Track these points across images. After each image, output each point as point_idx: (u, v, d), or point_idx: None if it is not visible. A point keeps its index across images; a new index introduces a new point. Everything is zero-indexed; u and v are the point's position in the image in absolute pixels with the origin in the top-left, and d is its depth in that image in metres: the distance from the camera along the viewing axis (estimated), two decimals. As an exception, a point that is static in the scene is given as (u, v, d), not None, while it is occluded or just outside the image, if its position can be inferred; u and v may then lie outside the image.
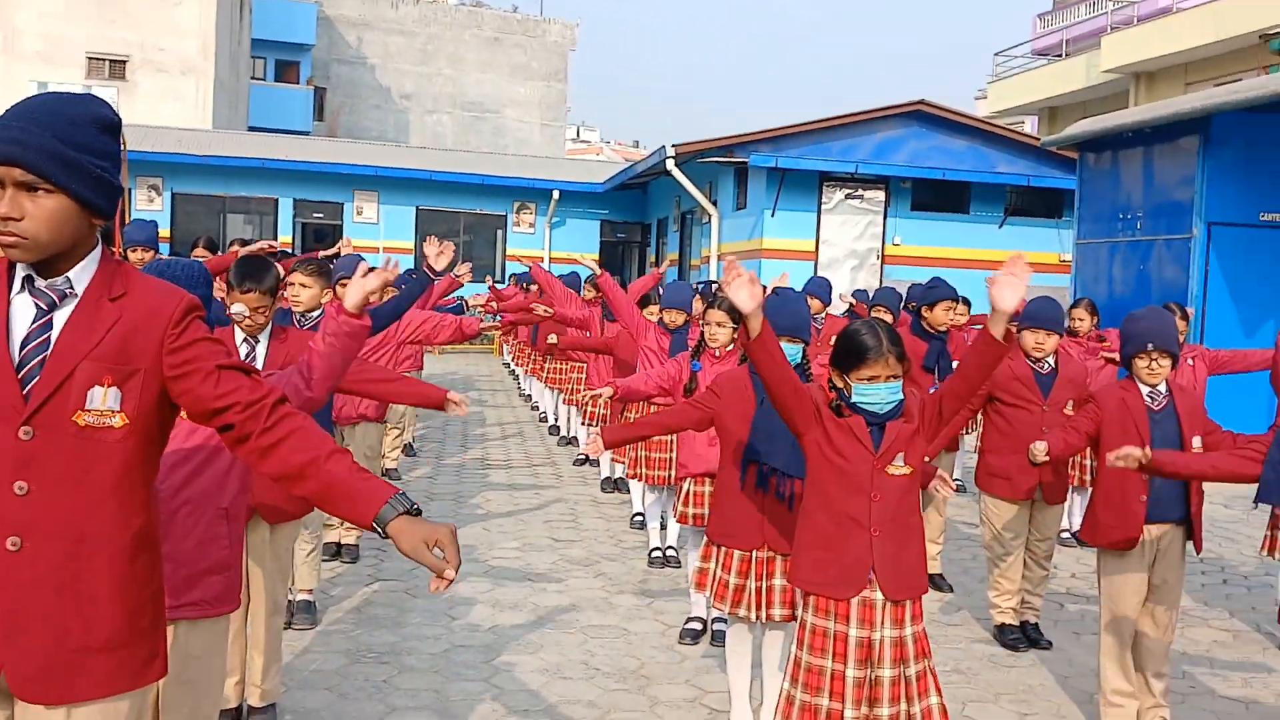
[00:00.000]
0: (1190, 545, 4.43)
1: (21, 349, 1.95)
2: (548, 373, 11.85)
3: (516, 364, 16.10)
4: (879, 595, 3.20)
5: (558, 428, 11.94)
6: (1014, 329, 5.51)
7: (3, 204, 1.91)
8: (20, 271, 1.99)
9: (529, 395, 14.75)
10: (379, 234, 22.47)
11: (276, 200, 22.34)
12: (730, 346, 5.18)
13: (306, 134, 32.12)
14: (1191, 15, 21.35)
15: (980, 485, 5.60)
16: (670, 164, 17.82)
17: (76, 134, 1.95)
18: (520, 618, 5.62)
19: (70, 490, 1.96)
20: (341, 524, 6.39)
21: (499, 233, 23.77)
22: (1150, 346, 4.26)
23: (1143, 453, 3.74)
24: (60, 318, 1.98)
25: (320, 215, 22.68)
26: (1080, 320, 7.90)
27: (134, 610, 2.05)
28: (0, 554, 1.94)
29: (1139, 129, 11.70)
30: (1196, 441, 4.26)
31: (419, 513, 2.04)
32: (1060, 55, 27.18)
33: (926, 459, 3.46)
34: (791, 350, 4.05)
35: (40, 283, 1.99)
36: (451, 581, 2.00)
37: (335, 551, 6.41)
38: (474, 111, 38.89)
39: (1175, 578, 4.37)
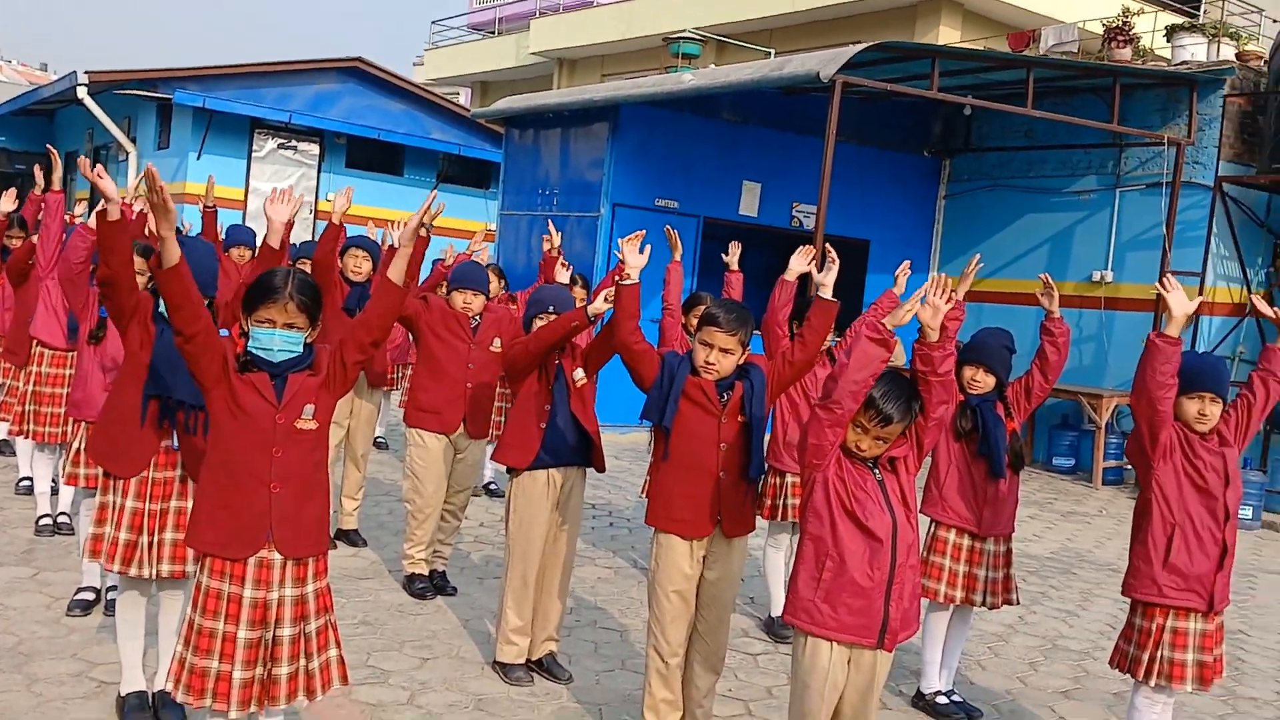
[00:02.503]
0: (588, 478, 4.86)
1: None
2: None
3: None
4: (277, 555, 3.16)
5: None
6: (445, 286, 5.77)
7: None
8: None
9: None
10: None
11: None
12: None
13: None
14: (608, 11, 23.28)
15: (410, 422, 5.73)
16: (82, 92, 16.15)
17: None
18: None
19: None
20: None
21: None
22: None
23: None
24: None
25: None
26: (492, 282, 8.39)
27: None
28: None
29: (559, 111, 12.56)
30: None
31: None
32: (494, 32, 28.36)
33: None
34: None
35: None
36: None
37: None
38: None
39: (575, 516, 4.80)
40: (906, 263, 5.27)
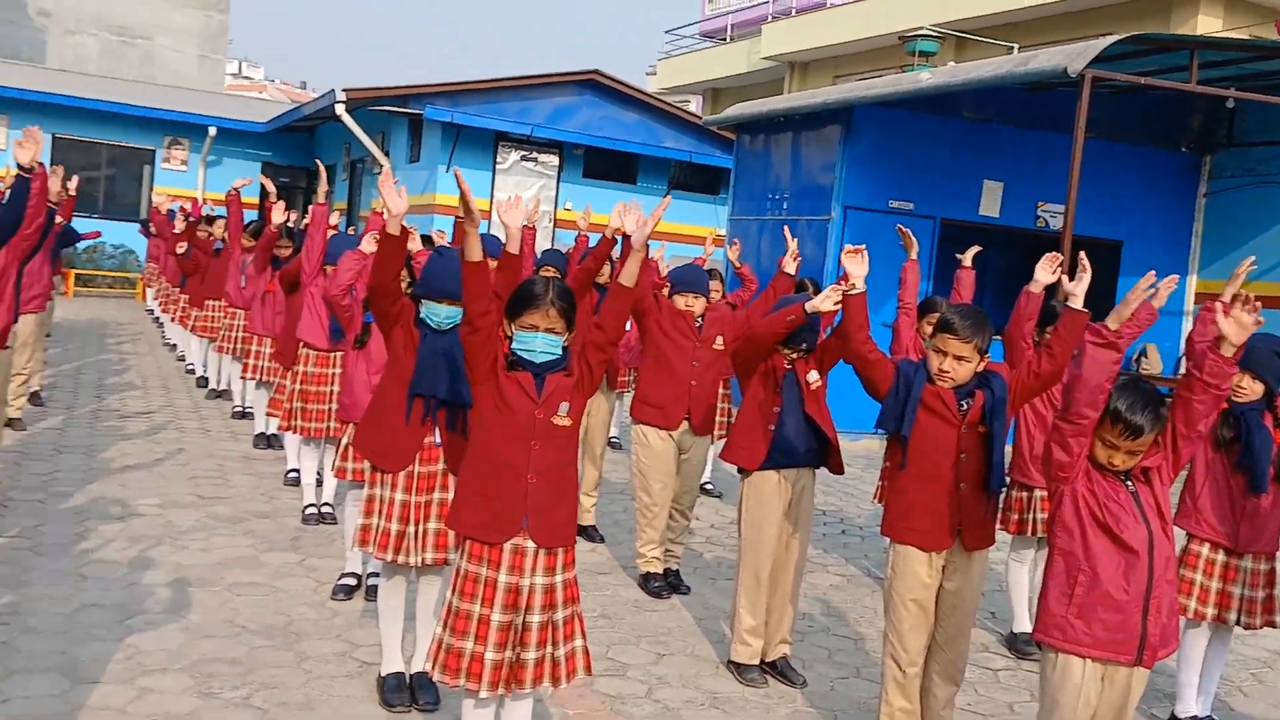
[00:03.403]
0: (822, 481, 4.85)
1: None
2: (195, 320, 11.20)
3: (162, 310, 15.09)
4: (530, 543, 3.30)
5: (206, 379, 11.33)
6: (666, 287, 5.93)
7: None
8: None
9: (174, 344, 13.88)
10: (5, 161, 20.30)
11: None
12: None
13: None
14: (843, 11, 23.03)
15: (635, 415, 5.88)
16: (340, 109, 17.22)
17: None
18: (159, 577, 5.33)
19: None
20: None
21: (146, 168, 22.08)
22: None
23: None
24: None
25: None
26: (714, 291, 8.45)
27: None
28: None
29: (790, 115, 12.50)
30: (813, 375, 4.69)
31: None
32: (725, 39, 28.53)
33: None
34: (452, 313, 4.03)
35: None
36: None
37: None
38: (122, 36, 35.76)
39: (806, 518, 4.79)
40: (1150, 274, 5.00)
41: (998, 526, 4.11)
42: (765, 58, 24.86)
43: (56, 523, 6.05)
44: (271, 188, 8.68)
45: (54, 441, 8.10)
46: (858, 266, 4.04)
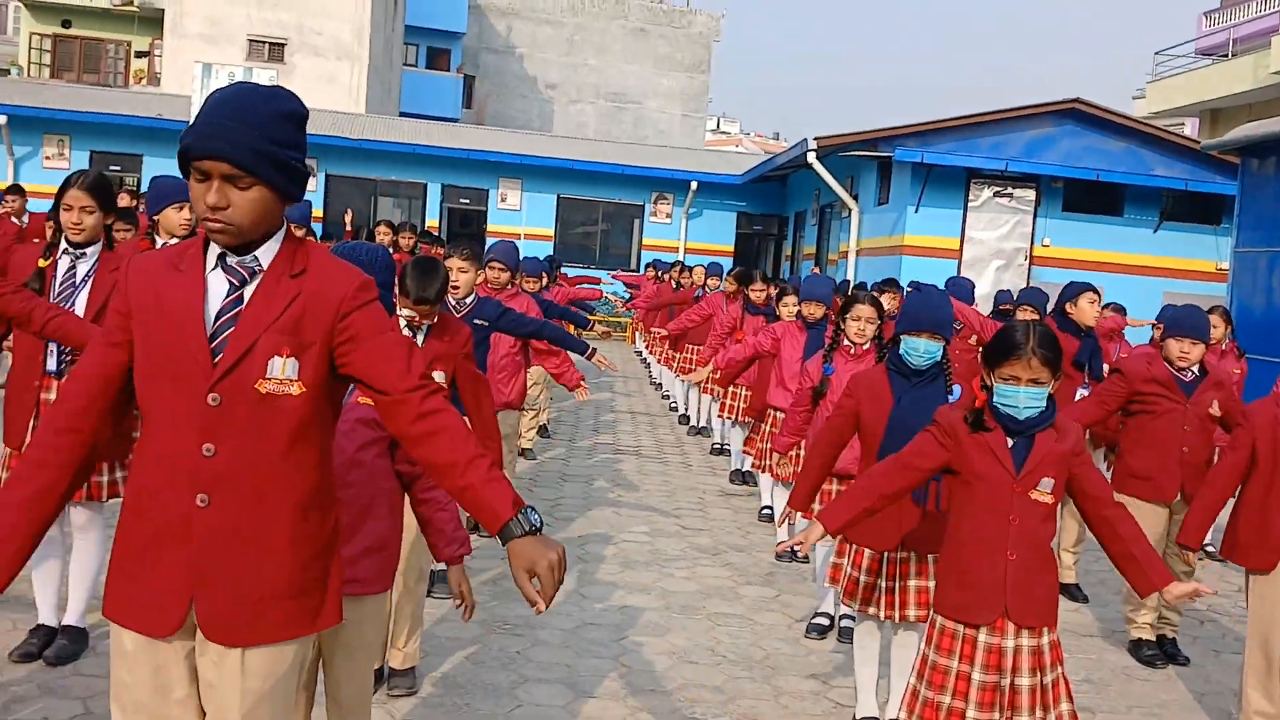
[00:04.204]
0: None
1: (215, 321, 2.12)
2: (678, 361, 11.98)
3: (649, 352, 16.26)
4: (1010, 624, 3.20)
5: (688, 417, 12.04)
6: (1158, 335, 5.46)
7: (212, 194, 2.07)
8: (214, 250, 2.16)
9: (660, 384, 14.89)
10: (521, 220, 22.93)
11: (425, 185, 22.94)
12: (868, 345, 5.19)
13: (455, 121, 32.88)
14: (1373, 14, 20.20)
15: (1119, 488, 5.47)
16: (811, 156, 17.70)
17: (274, 129, 2.09)
18: (649, 601, 5.73)
19: (251, 451, 2.12)
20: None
21: (636, 222, 23.97)
22: None
23: None
24: (248, 293, 2.14)
25: (466, 201, 23.22)
26: (1215, 328, 7.65)
27: (308, 562, 2.21)
28: (191, 509, 2.11)
29: (1309, 134, 11.18)
30: None
31: (539, 529, 2.15)
32: (1226, 55, 26.01)
33: None
34: (931, 348, 4.03)
35: (232, 260, 2.15)
36: (541, 611, 2.13)
37: (474, 526, 6.62)
38: (616, 102, 39.22)
39: None
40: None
41: None
42: (1276, 72, 22.34)
43: (561, 544, 6.69)
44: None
45: (559, 470, 8.98)
46: None
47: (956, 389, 4.17)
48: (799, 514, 4.50)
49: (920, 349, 4.03)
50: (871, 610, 4.09)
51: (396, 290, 3.92)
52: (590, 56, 38.96)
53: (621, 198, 23.73)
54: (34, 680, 4.05)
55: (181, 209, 5.00)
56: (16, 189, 11.62)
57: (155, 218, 5.10)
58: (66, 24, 32.24)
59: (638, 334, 19.29)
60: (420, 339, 4.17)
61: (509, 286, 6.57)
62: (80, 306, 4.08)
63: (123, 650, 2.19)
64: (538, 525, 2.14)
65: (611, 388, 14.94)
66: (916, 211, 16.90)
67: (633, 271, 22.12)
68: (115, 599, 2.19)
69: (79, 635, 4.34)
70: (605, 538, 6.91)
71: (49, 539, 4.25)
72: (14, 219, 10.52)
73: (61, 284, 4.12)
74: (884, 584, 4.06)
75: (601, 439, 10.76)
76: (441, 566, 5.44)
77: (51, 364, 4.08)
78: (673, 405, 13.15)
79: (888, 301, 7.54)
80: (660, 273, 16.45)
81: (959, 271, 15.92)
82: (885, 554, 4.06)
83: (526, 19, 38.44)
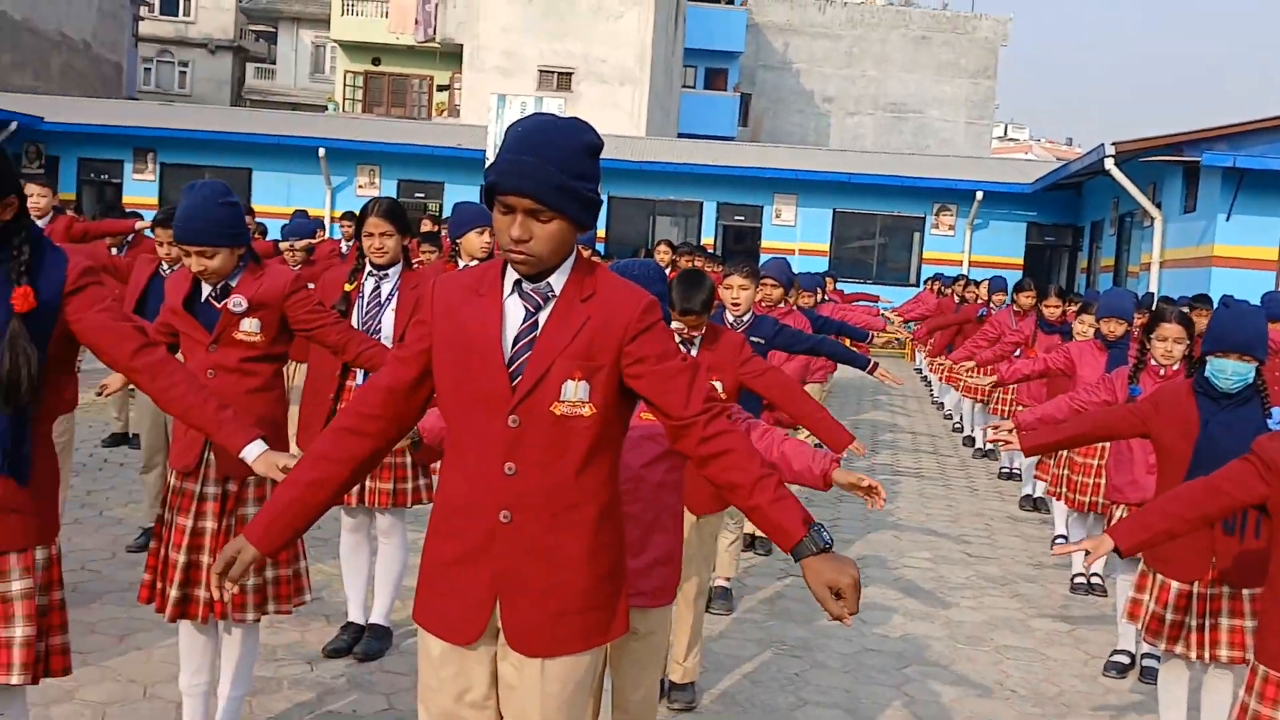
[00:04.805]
0: None
1: (513, 346, 2.22)
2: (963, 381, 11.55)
3: (930, 370, 15.80)
4: None
5: (973, 439, 11.60)
6: None
7: (516, 228, 2.17)
8: (511, 275, 2.26)
9: (942, 403, 14.43)
10: (795, 236, 22.85)
11: (701, 204, 23.29)
12: (1177, 365, 4.82)
13: (731, 139, 33.25)
14: None
15: None
16: (1109, 163, 16.69)
17: (574, 163, 2.17)
18: (932, 629, 5.54)
19: (549, 470, 2.21)
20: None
21: (916, 235, 23.37)
22: None
23: None
24: (543, 318, 2.23)
25: (741, 218, 23.38)
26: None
27: (604, 575, 2.28)
28: (495, 525, 2.23)
29: None
30: None
31: (830, 547, 2.15)
32: None
33: None
34: (1241, 369, 3.70)
35: (528, 286, 2.24)
36: (849, 624, 2.16)
37: (749, 543, 6.62)
38: (895, 112, 38.51)
39: None
40: None
41: None
42: None
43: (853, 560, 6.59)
44: None
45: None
46: None
47: (1276, 411, 3.80)
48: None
49: (1228, 370, 3.71)
50: (1179, 649, 3.78)
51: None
52: (869, 67, 38.46)
53: (901, 210, 23.19)
54: (344, 675, 4.36)
55: (482, 233, 5.28)
56: (350, 215, 12.62)
57: (458, 241, 5.41)
58: (376, 61, 34.95)
59: (918, 350, 18.79)
60: (693, 351, 4.22)
61: (782, 303, 6.54)
62: (388, 324, 4.40)
63: (430, 655, 2.32)
64: (828, 543, 2.16)
65: (890, 407, 14.61)
66: (1228, 220, 15.59)
67: (912, 286, 21.61)
68: (424, 607, 2.33)
69: (384, 634, 4.64)
70: (884, 561, 6.74)
71: (356, 544, 4.59)
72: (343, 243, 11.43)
73: (368, 304, 4.44)
74: (1193, 621, 3.74)
75: (880, 459, 10.53)
76: (721, 582, 5.51)
77: (359, 381, 4.40)
78: (956, 425, 12.70)
79: (1198, 319, 6.97)
80: (943, 287, 15.96)
81: (1277, 286, 14.56)
82: (1194, 588, 3.74)
83: (804, 34, 38.40)
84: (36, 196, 7.33)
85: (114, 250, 7.67)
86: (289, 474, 2.38)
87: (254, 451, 2.90)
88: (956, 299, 13.70)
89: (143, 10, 39.59)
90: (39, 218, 7.33)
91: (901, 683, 4.79)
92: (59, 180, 21.11)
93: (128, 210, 8.17)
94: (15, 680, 2.58)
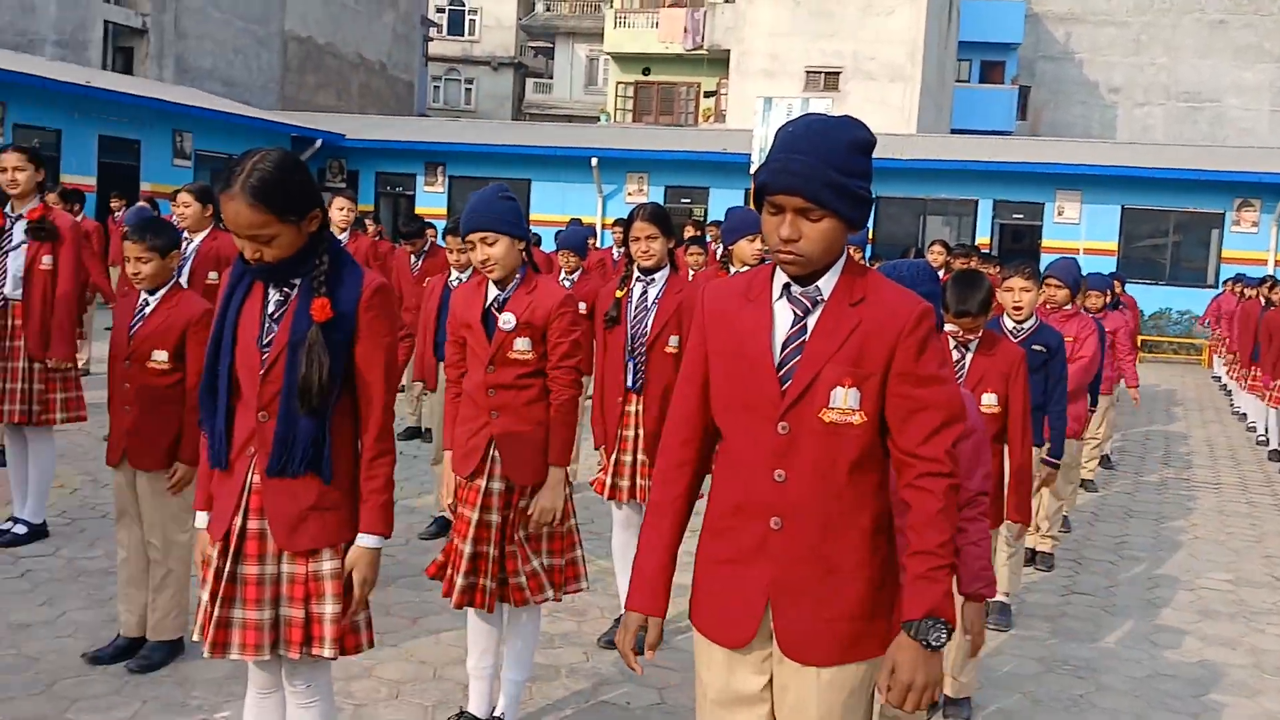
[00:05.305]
0: None
1: (781, 351, 2.20)
2: (1272, 391, 10.60)
3: (1229, 377, 14.61)
4: None
5: (1278, 451, 10.64)
6: None
7: (785, 227, 2.15)
8: (780, 278, 2.24)
9: (1244, 414, 13.31)
10: (1080, 235, 21.67)
11: (976, 202, 22.46)
12: None
13: (1008, 134, 31.91)
14: None
15: None
16: None
17: (844, 160, 2.13)
18: (1233, 656, 5.13)
19: (819, 478, 2.18)
20: (1037, 531, 6.29)
21: (1214, 232, 21.65)
22: None
23: None
24: (811, 322, 2.19)
25: (1019, 216, 22.38)
26: None
27: (877, 585, 2.24)
28: (766, 531, 2.22)
29: None
30: None
31: (933, 648, 2.10)
32: None
33: None
34: None
35: (796, 290, 2.21)
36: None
37: (1030, 557, 6.34)
38: (1189, 101, 35.88)
39: None
40: None
41: None
42: None
43: (1127, 585, 6.20)
44: None
45: (1124, 505, 8.33)
46: None
47: None
48: None
49: None
50: None
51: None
52: (1159, 55, 36.04)
53: (1197, 206, 21.55)
54: (618, 665, 4.49)
55: (753, 240, 5.31)
56: (621, 222, 13.04)
57: (730, 247, 5.46)
58: (646, 71, 35.76)
59: (1216, 356, 17.43)
60: (969, 356, 4.08)
61: (1068, 305, 6.21)
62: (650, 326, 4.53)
63: (705, 655, 2.35)
64: (930, 643, 2.10)
65: (1185, 417, 13.62)
66: None
67: (1209, 288, 20.08)
68: (698, 609, 2.36)
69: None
70: (1178, 582, 6.29)
71: (629, 539, 4.72)
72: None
73: (635, 308, 4.56)
74: None
75: (1172, 472, 9.82)
76: (1000, 598, 5.30)
77: (629, 380, 4.53)
78: (1262, 438, 11.68)
79: None
80: (1245, 289, 14.75)
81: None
82: None
83: (1087, 22, 36.42)
84: (346, 210, 7.96)
85: (413, 259, 8.19)
86: (645, 534, 2.37)
87: (366, 542, 2.78)
88: (1263, 301, 12.59)
89: (432, 32, 42.21)
90: (342, 230, 7.95)
91: (1199, 711, 4.46)
92: (359, 193, 22.80)
93: (424, 220, 8.68)
94: (327, 654, 2.79)
